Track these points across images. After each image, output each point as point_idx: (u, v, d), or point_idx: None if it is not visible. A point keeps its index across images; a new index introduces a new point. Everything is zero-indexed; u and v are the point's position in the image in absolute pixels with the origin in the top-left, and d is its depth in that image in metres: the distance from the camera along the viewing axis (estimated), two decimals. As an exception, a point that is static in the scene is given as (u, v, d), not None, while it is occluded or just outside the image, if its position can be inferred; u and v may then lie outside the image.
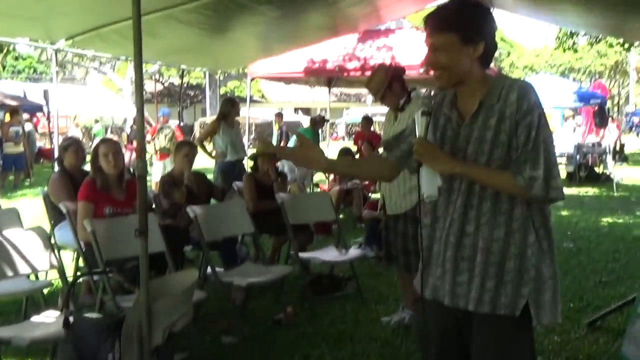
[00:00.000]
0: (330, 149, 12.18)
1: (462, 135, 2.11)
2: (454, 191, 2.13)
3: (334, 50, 9.29)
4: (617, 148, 17.42)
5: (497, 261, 2.05)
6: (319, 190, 9.65)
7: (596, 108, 15.43)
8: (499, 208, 2.05)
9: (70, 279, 4.12)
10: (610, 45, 15.55)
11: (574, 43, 15.07)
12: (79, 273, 4.53)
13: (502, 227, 2.05)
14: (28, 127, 16.20)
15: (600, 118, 15.60)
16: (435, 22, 2.09)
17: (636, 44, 14.59)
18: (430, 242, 2.20)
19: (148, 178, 8.21)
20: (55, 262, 3.83)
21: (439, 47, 2.07)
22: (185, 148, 5.37)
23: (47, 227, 4.53)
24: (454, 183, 2.13)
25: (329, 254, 5.31)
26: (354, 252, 5.41)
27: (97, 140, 8.64)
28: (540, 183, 1.96)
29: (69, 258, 5.08)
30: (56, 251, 4.02)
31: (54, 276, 4.42)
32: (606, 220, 9.20)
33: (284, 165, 8.81)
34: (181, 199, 4.94)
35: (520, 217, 2.04)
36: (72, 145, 5.22)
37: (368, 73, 5.21)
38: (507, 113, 2.01)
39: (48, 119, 15.03)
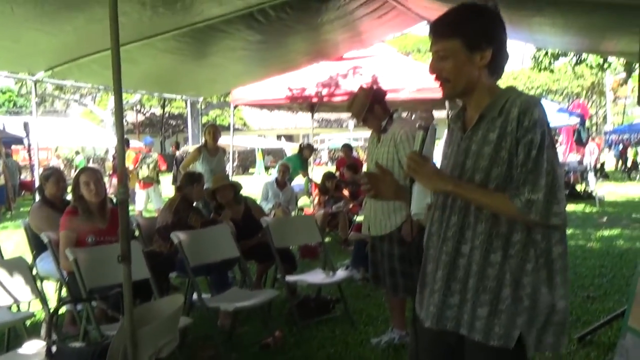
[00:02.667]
0: (315, 173, 12.19)
1: (462, 147, 1.98)
2: (447, 208, 1.99)
3: (316, 75, 9.34)
4: (598, 166, 17.71)
5: (492, 288, 1.89)
6: (303, 214, 9.62)
7: (576, 127, 15.68)
8: (495, 231, 1.89)
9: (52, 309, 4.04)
10: (591, 67, 15.75)
11: (550, 63, 15.27)
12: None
13: (499, 251, 1.89)
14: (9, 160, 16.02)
15: (580, 137, 15.86)
16: (438, 28, 1.96)
17: (612, 62, 14.85)
18: (425, 261, 2.08)
19: (131, 207, 8.09)
20: (37, 293, 3.75)
21: (443, 55, 1.94)
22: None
23: (29, 259, 4.45)
24: (448, 199, 1.99)
25: (316, 276, 5.27)
26: (341, 274, 5.38)
27: (79, 171, 8.48)
28: (539, 207, 1.80)
29: (51, 289, 4.99)
30: (38, 282, 3.95)
31: (36, 307, 4.34)
32: (591, 236, 9.25)
33: (268, 189, 8.80)
34: (196, 223, 5.10)
35: (518, 242, 1.87)
36: (53, 175, 5.16)
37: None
38: (509, 129, 1.86)
39: (29, 151, 14.87)
